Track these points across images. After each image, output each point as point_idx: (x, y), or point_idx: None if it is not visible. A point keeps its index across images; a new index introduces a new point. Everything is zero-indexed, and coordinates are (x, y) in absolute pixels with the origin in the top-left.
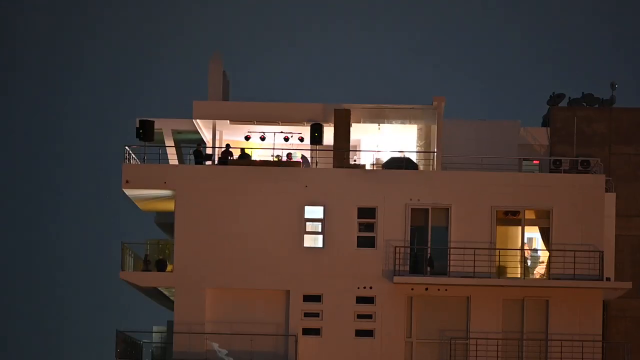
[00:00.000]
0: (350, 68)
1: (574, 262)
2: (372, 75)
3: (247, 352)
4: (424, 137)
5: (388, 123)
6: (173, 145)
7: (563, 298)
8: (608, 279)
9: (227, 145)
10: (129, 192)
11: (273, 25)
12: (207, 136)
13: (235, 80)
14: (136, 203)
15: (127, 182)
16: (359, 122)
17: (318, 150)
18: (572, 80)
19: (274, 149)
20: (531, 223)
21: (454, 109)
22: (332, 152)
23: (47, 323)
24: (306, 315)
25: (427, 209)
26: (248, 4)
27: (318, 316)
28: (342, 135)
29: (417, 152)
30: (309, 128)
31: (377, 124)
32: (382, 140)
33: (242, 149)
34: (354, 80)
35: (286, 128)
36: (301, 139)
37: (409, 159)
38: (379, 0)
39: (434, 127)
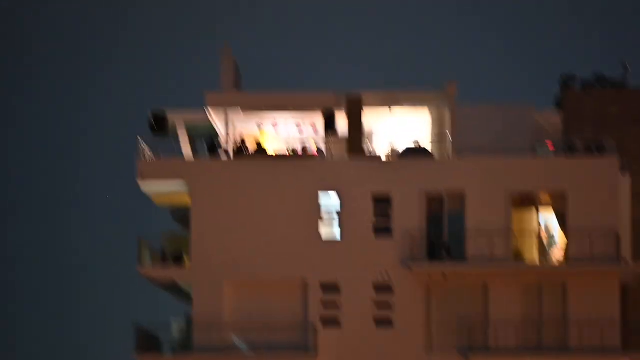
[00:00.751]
0: (359, 51)
1: (590, 245)
2: (379, 57)
3: (266, 343)
4: (438, 124)
5: (400, 107)
6: (187, 138)
7: (581, 281)
8: (625, 261)
9: (243, 141)
10: (144, 186)
11: (280, 11)
12: (220, 126)
13: (245, 69)
14: (152, 197)
15: (141, 176)
16: (371, 108)
17: (332, 141)
18: (584, 58)
19: (288, 141)
20: (547, 207)
21: (463, 90)
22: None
23: (65, 318)
24: (325, 305)
25: (442, 196)
26: None
27: (336, 306)
28: (355, 123)
29: (431, 142)
30: (321, 116)
31: (389, 108)
32: (395, 128)
33: (259, 144)
34: (364, 63)
35: (298, 115)
36: (315, 130)
37: (424, 149)
38: None
39: (447, 113)
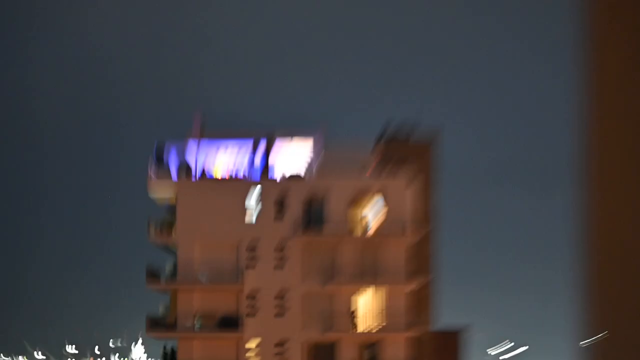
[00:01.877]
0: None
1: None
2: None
3: (215, 278)
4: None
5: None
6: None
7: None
8: None
9: (202, 171)
10: (154, 195)
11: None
12: (190, 159)
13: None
14: (156, 199)
15: (151, 190)
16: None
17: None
18: None
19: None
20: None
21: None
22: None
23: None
24: (248, 257)
25: (311, 198)
26: None
27: (255, 258)
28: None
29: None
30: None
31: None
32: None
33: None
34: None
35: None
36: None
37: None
38: None
39: (319, 148)
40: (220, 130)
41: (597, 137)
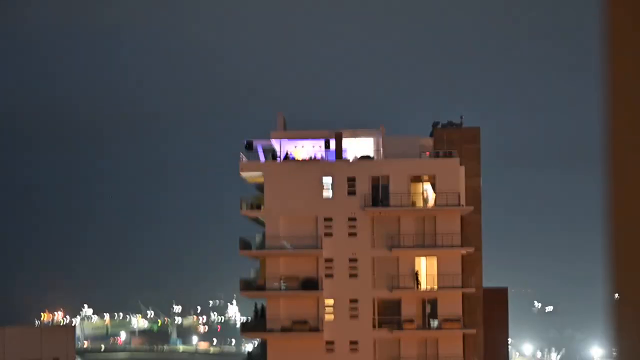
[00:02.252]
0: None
1: (447, 198)
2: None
3: (298, 246)
4: (376, 144)
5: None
6: (262, 152)
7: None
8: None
9: (286, 154)
10: (243, 174)
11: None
12: (275, 147)
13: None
14: (246, 179)
15: (241, 169)
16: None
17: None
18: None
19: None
20: (427, 182)
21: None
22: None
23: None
24: (325, 227)
25: (378, 177)
26: None
27: (331, 228)
28: (339, 145)
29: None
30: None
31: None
32: (356, 146)
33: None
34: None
35: (315, 142)
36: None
37: (369, 156)
38: None
39: (380, 140)
40: (297, 130)
41: (617, 120)
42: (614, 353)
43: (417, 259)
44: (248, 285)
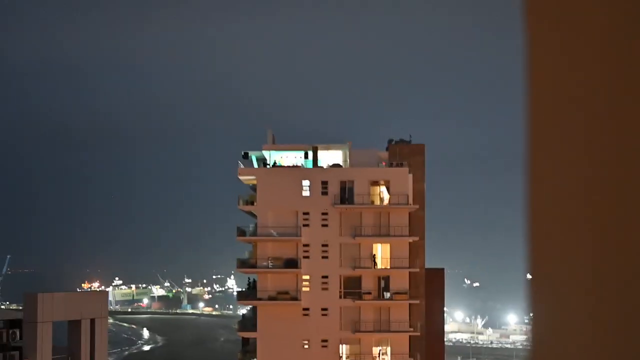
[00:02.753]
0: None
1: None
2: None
3: (280, 231)
4: (343, 156)
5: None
6: (255, 161)
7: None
8: None
9: (274, 163)
10: (241, 178)
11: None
12: (266, 157)
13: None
14: (243, 181)
15: (239, 174)
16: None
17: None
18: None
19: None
20: (383, 185)
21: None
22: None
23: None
24: (304, 221)
25: (345, 181)
26: None
27: (308, 220)
28: (315, 156)
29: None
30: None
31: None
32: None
33: (279, 164)
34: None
35: (297, 153)
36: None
37: (339, 164)
38: None
39: (347, 152)
40: (282, 144)
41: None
42: (527, 320)
43: (374, 245)
44: (243, 264)
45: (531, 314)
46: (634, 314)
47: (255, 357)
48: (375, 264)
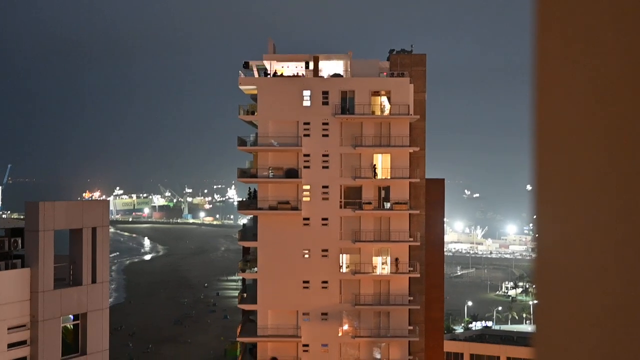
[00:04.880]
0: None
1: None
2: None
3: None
4: (345, 65)
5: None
6: (256, 70)
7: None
8: None
9: (275, 72)
10: (242, 87)
11: None
12: (267, 66)
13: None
14: (244, 90)
15: (240, 83)
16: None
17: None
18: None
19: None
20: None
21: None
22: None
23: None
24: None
25: (347, 91)
26: None
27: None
28: (316, 65)
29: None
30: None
31: (328, 60)
32: (330, 67)
33: (281, 73)
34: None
35: (297, 63)
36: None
37: (340, 74)
38: None
39: (349, 62)
40: (284, 54)
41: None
42: (527, 231)
43: (375, 155)
44: (244, 174)
45: (534, 223)
46: (638, 227)
47: (256, 267)
48: (375, 174)
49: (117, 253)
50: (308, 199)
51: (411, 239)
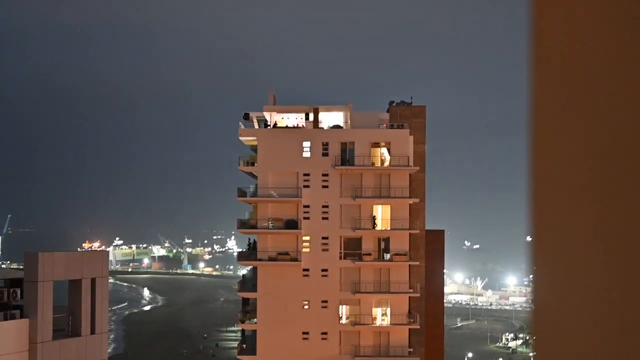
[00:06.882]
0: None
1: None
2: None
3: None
4: (345, 117)
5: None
6: (256, 122)
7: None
8: None
9: (274, 124)
10: (242, 138)
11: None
12: (267, 118)
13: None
14: (244, 142)
15: (240, 135)
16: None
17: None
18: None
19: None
20: (383, 147)
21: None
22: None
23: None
24: (304, 181)
25: (346, 142)
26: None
27: (308, 181)
28: (316, 117)
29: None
30: (304, 115)
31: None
32: (330, 119)
33: (279, 125)
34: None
35: (295, 115)
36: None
37: (340, 126)
38: None
39: (348, 113)
40: (284, 106)
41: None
42: (527, 282)
43: (374, 207)
44: (243, 224)
45: (533, 275)
46: (635, 274)
47: (255, 318)
48: (375, 225)
49: (123, 304)
50: (308, 249)
51: (411, 290)
